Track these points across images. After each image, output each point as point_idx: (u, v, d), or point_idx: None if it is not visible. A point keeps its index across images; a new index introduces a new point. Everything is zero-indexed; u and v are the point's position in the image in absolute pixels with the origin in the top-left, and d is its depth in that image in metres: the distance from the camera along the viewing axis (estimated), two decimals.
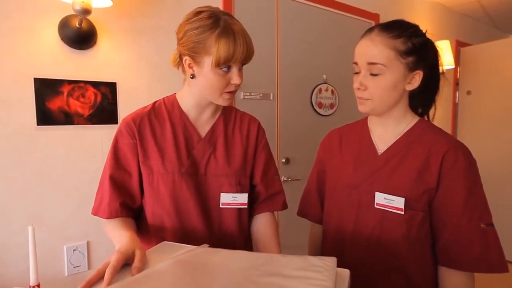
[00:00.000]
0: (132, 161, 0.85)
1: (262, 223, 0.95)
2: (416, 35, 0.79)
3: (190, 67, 0.81)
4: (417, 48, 0.78)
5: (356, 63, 0.82)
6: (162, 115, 0.89)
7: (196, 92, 0.86)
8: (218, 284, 0.53)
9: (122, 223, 0.81)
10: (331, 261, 0.62)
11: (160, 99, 0.93)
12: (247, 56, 0.79)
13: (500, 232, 0.77)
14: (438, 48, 0.85)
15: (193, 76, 0.82)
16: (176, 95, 0.92)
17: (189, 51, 0.78)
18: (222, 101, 0.84)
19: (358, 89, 0.82)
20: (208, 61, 0.77)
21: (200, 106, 0.89)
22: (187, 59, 0.81)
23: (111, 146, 0.86)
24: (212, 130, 0.91)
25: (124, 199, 0.84)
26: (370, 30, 0.81)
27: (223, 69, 0.78)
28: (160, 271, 0.57)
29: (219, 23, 0.76)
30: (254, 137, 0.96)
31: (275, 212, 0.99)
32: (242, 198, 0.90)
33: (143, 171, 0.85)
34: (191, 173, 0.86)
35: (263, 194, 0.96)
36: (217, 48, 0.74)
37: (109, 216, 0.82)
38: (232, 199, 0.89)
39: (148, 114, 0.88)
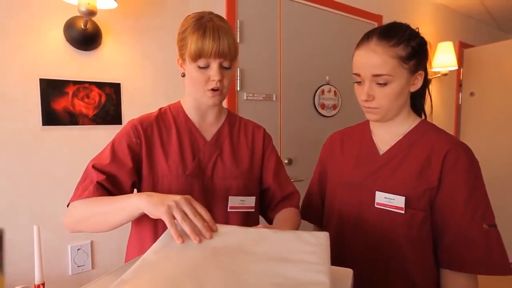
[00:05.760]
0: (129, 159, 0.81)
1: (280, 214, 0.92)
2: (413, 37, 0.79)
3: (182, 66, 0.86)
4: (416, 51, 0.78)
5: (358, 75, 0.81)
6: (168, 121, 0.90)
7: (191, 93, 0.88)
8: (213, 276, 0.50)
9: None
10: (324, 237, 0.60)
11: (165, 106, 0.94)
12: (221, 51, 0.78)
13: (505, 235, 0.75)
14: (427, 41, 0.84)
15: (183, 75, 0.87)
16: (180, 101, 0.94)
17: (178, 51, 0.85)
18: (207, 100, 0.84)
19: (366, 100, 0.81)
20: (188, 57, 0.82)
21: (199, 108, 0.90)
22: (179, 59, 0.86)
23: (110, 142, 0.84)
24: (218, 134, 0.91)
25: (113, 189, 0.79)
26: (368, 38, 0.80)
27: (200, 65, 0.80)
28: (152, 263, 0.54)
29: (199, 22, 0.80)
30: (260, 142, 0.96)
31: None
32: (250, 202, 0.89)
33: (146, 174, 0.84)
34: (197, 176, 0.86)
35: (278, 195, 0.95)
36: (190, 42, 0.79)
37: (95, 193, 0.74)
38: (240, 203, 0.88)
39: (156, 120, 0.88)
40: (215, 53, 0.78)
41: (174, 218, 0.61)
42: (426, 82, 0.86)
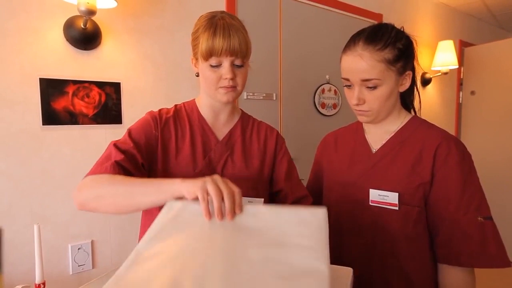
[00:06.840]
0: (143, 143, 0.82)
1: None
2: (399, 38, 0.79)
3: (196, 66, 0.87)
4: (403, 52, 0.79)
5: (347, 79, 0.82)
6: (183, 118, 0.91)
7: (205, 92, 0.89)
8: (211, 271, 0.50)
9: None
10: (322, 215, 0.59)
11: (180, 103, 0.95)
12: (231, 49, 0.78)
13: (506, 235, 0.74)
14: (412, 39, 0.84)
15: (197, 74, 0.88)
16: (195, 99, 0.95)
17: (192, 51, 0.86)
18: (221, 96, 0.84)
19: (357, 104, 0.82)
20: (201, 57, 0.82)
21: (213, 107, 0.90)
22: (192, 59, 0.87)
23: (128, 128, 0.84)
24: (230, 134, 0.92)
25: (132, 163, 0.79)
26: (354, 43, 0.80)
27: (212, 64, 0.80)
28: (147, 258, 0.53)
29: (211, 21, 0.80)
30: (273, 145, 0.95)
31: None
32: (258, 203, 0.88)
33: (160, 169, 0.84)
34: (207, 174, 0.84)
35: (289, 198, 0.93)
36: (201, 41, 0.79)
37: (114, 171, 0.72)
38: (248, 204, 0.88)
39: (174, 115, 0.90)
40: (226, 51, 0.78)
41: (208, 194, 0.61)
42: (415, 81, 0.87)
